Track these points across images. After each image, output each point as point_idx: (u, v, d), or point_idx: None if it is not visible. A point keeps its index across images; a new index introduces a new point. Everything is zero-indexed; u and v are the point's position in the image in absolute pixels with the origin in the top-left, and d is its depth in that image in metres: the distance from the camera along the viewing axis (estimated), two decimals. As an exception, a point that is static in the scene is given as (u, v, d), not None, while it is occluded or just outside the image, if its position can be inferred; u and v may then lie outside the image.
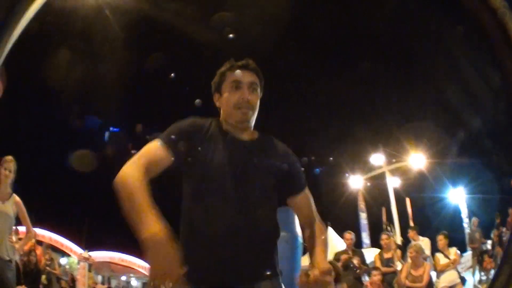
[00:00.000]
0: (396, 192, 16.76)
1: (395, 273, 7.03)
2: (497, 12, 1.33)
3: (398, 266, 7.27)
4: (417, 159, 16.22)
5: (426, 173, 16.00)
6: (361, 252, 7.80)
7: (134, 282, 33.29)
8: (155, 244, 1.41)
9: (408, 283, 6.48)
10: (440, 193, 17.91)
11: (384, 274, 6.74)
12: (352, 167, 17.89)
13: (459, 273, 7.24)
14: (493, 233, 12.16)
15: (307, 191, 1.97)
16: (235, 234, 1.70)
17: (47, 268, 9.66)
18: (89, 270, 17.30)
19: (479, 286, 10.79)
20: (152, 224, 1.44)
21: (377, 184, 17.36)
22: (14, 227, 4.83)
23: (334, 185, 18.68)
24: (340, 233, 16.83)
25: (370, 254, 9.41)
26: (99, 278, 26.16)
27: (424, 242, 7.87)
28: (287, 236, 11.17)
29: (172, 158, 1.72)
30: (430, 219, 16.72)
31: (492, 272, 10.81)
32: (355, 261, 6.99)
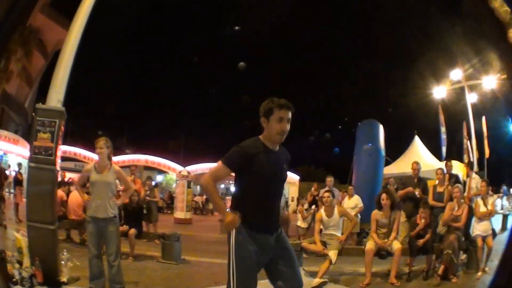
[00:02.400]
0: (474, 109, 16.09)
1: (443, 208, 7.27)
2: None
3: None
4: (491, 80, 14.98)
5: (498, 95, 14.64)
6: (425, 182, 8.18)
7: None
8: (230, 222, 2.99)
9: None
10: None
11: (432, 208, 7.14)
12: (436, 77, 17.15)
13: (491, 224, 7.28)
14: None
15: None
16: (271, 207, 3.13)
17: (147, 198, 10.71)
18: (188, 187, 17.98)
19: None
20: (226, 213, 3.04)
21: (457, 98, 16.51)
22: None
23: (420, 93, 18.32)
24: (426, 142, 16.69)
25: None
26: (198, 189, 28.69)
27: (475, 180, 8.35)
28: (371, 149, 11.40)
29: (230, 172, 3.05)
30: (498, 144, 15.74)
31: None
32: (417, 192, 7.75)
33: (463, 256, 6.97)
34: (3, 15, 1.35)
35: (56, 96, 5.36)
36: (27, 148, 5.56)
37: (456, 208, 6.84)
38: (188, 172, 19.05)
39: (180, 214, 17.13)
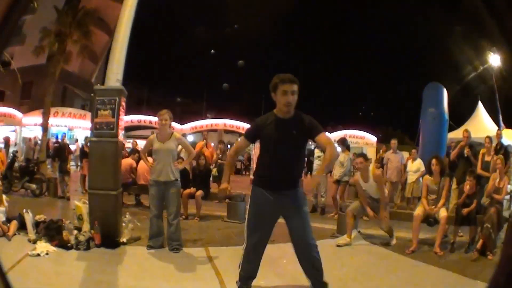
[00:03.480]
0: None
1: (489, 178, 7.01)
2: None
3: None
4: None
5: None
6: (475, 150, 8.19)
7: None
8: (220, 189, 3.85)
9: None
10: None
11: (480, 177, 6.96)
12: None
13: None
14: None
15: (322, 134, 3.59)
16: (280, 168, 3.56)
17: (219, 161, 11.25)
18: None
19: None
20: (226, 182, 3.85)
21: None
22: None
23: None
24: (488, 108, 15.53)
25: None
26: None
27: None
28: (435, 112, 11.04)
29: (248, 142, 3.77)
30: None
31: None
32: (466, 150, 7.97)
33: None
34: (2, 16, 1.28)
35: (114, 77, 5.81)
36: (94, 120, 6.21)
37: (498, 180, 6.45)
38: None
39: (256, 175, 17.61)
